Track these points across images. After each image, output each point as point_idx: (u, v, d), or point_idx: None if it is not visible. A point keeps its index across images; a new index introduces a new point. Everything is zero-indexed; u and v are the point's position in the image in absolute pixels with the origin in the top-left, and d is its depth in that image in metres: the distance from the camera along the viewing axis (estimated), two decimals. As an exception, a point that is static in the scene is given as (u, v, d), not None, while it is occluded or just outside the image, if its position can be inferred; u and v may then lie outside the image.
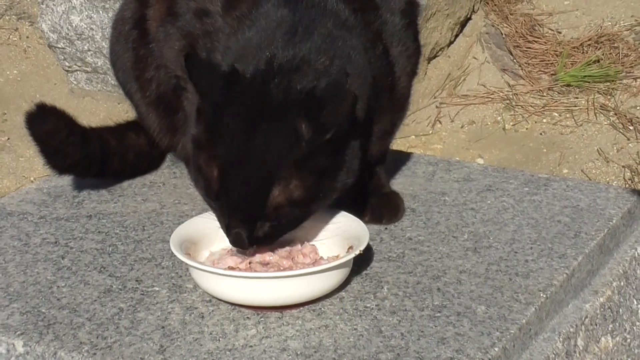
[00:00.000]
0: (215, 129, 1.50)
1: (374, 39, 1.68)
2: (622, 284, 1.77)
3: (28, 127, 1.82)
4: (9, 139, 3.58)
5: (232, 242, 1.52)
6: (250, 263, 1.58)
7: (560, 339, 1.59)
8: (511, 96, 3.76)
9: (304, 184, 1.49)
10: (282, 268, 1.56)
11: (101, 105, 3.68)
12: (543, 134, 3.60)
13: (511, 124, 3.66)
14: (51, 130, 1.83)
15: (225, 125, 1.49)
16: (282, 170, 1.47)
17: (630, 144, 3.51)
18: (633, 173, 3.35)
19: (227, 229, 1.52)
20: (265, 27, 1.59)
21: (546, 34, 4.02)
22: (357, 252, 1.54)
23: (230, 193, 1.49)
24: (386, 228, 1.79)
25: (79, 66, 3.68)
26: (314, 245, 1.61)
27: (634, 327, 1.79)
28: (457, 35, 3.92)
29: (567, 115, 3.66)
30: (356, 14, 1.66)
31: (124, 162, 1.97)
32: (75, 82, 3.73)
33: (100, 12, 3.54)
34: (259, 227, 1.50)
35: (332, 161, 1.52)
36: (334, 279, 1.54)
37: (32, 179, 3.33)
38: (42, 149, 1.84)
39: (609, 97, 3.71)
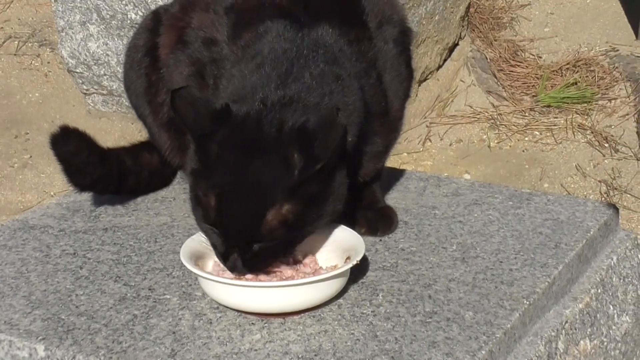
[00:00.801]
0: (210, 161, 1.49)
1: (368, 67, 1.68)
2: (599, 291, 1.77)
3: (52, 148, 1.82)
4: (31, 156, 3.57)
5: (229, 268, 1.51)
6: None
7: (543, 343, 1.59)
8: (496, 116, 3.76)
9: (296, 209, 1.47)
10: (284, 277, 1.55)
11: (116, 125, 3.67)
12: (525, 151, 3.60)
13: (496, 141, 3.66)
14: (73, 150, 1.84)
15: (220, 157, 1.48)
16: (275, 196, 1.46)
17: (605, 160, 3.51)
18: (608, 187, 3.35)
19: (223, 254, 1.51)
20: (263, 61, 1.59)
21: (528, 59, 4.02)
22: (354, 262, 1.54)
23: (227, 219, 1.48)
24: (381, 240, 1.79)
25: (96, 89, 3.68)
26: (314, 256, 1.61)
27: (611, 331, 1.79)
28: (445, 60, 3.92)
29: (548, 134, 3.66)
30: (351, 44, 1.65)
31: (139, 180, 1.97)
32: (92, 104, 3.73)
33: (116, 39, 3.54)
34: (253, 251, 1.49)
35: (322, 188, 1.50)
36: (332, 287, 1.54)
37: (52, 193, 3.33)
38: (65, 168, 1.84)
39: (586, 117, 3.71)
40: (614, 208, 1.92)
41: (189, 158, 1.59)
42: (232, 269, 1.51)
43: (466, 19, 4.01)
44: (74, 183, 1.87)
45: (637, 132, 3.60)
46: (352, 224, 1.68)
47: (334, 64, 1.59)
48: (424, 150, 3.64)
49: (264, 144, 1.47)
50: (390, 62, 1.74)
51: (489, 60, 3.97)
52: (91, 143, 1.88)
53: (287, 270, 1.57)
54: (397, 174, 2.08)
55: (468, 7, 3.99)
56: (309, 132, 1.46)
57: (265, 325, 1.52)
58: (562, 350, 1.64)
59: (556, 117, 3.73)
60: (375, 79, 1.69)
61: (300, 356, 1.44)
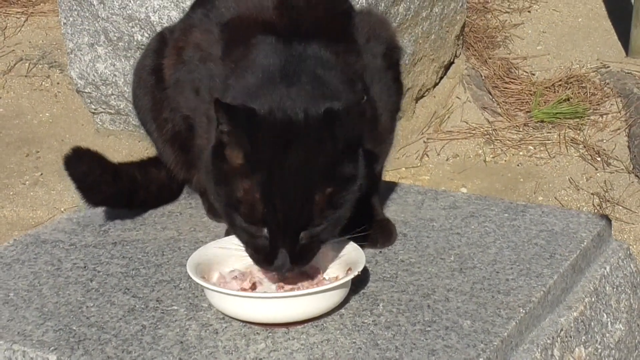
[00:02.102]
0: (251, 159, 1.49)
1: (354, 78, 1.69)
2: (593, 299, 1.77)
3: (66, 168, 1.83)
4: (42, 174, 3.58)
5: (276, 267, 1.51)
6: (254, 284, 1.58)
7: (539, 350, 1.58)
8: (491, 131, 3.76)
9: (337, 188, 1.50)
10: (288, 288, 1.56)
11: (123, 143, 3.68)
12: (520, 165, 3.60)
13: (491, 156, 3.66)
14: (86, 170, 1.85)
15: (259, 154, 1.48)
16: (318, 179, 1.48)
17: (598, 174, 3.51)
18: (601, 200, 3.35)
19: (270, 253, 1.50)
20: (259, 71, 1.60)
21: (521, 76, 4.03)
22: (355, 274, 1.54)
23: (277, 210, 1.48)
24: (381, 252, 1.79)
25: (104, 109, 3.69)
26: (317, 267, 1.61)
27: (604, 339, 1.79)
28: (441, 78, 3.93)
29: (541, 148, 3.66)
30: (338, 56, 1.66)
31: (148, 194, 1.98)
32: (100, 123, 3.74)
33: (123, 60, 3.55)
34: (300, 241, 1.50)
35: (353, 168, 1.53)
36: (334, 297, 1.54)
37: (62, 209, 3.33)
38: (78, 186, 1.86)
39: (578, 131, 3.72)
40: (607, 219, 1.93)
41: (205, 171, 1.59)
42: (280, 267, 1.50)
43: (461, 38, 4.02)
44: (87, 200, 1.88)
45: (628, 146, 3.60)
46: (352, 237, 1.67)
47: (323, 68, 1.61)
48: (422, 165, 3.64)
49: (297, 132, 1.49)
50: (378, 75, 1.75)
51: (483, 77, 3.98)
52: (103, 162, 1.89)
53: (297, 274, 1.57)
54: (395, 188, 2.08)
55: (463, 27, 4.00)
56: (335, 114, 1.49)
57: (270, 334, 1.52)
58: (557, 358, 1.63)
59: (549, 132, 3.74)
60: (360, 89, 1.70)
61: (304, 364, 1.44)
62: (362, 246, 1.64)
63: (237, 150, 1.50)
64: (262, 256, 1.52)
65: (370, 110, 1.73)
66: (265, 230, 1.50)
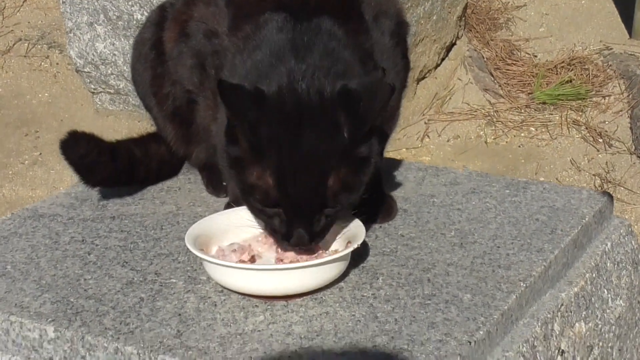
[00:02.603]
0: (259, 144, 1.47)
1: (366, 57, 1.68)
2: (594, 275, 1.77)
3: (63, 152, 1.83)
4: (41, 154, 3.57)
5: (293, 243, 1.50)
6: (252, 257, 1.58)
7: (539, 324, 1.58)
8: (492, 113, 3.75)
9: (352, 170, 1.49)
10: (287, 261, 1.55)
11: (123, 123, 3.67)
12: (521, 146, 3.60)
13: (492, 138, 3.65)
14: (83, 153, 1.84)
15: (269, 138, 1.46)
16: (333, 161, 1.46)
17: (599, 155, 3.51)
18: (602, 181, 3.35)
19: (286, 232, 1.50)
20: (269, 48, 1.58)
21: (523, 58, 4.02)
22: (355, 247, 1.54)
23: (290, 194, 1.47)
24: (381, 226, 1.78)
25: (103, 88, 3.68)
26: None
27: (605, 314, 1.78)
28: (443, 59, 3.92)
29: (543, 130, 3.66)
30: (349, 35, 1.65)
31: (148, 171, 1.97)
32: (100, 103, 3.73)
33: (122, 39, 3.54)
34: (316, 222, 1.49)
35: (369, 150, 1.51)
36: (334, 270, 1.54)
37: (61, 188, 3.33)
38: (75, 169, 1.85)
39: (580, 113, 3.71)
40: (609, 196, 1.92)
41: (220, 152, 1.58)
42: (298, 242, 1.50)
43: (463, 19, 4.01)
44: (85, 181, 1.88)
45: (630, 128, 3.59)
46: (353, 212, 1.67)
47: (338, 46, 1.59)
48: (423, 146, 3.63)
49: (309, 113, 1.47)
50: (387, 53, 1.73)
51: (485, 59, 3.97)
52: (100, 143, 1.88)
53: (289, 254, 1.56)
54: (396, 164, 2.07)
55: (465, 8, 3.99)
56: (353, 94, 1.47)
57: (269, 307, 1.51)
58: (557, 332, 1.63)
59: (551, 114, 3.73)
60: (372, 68, 1.69)
61: (302, 337, 1.43)
62: (362, 221, 1.64)
63: (243, 135, 1.49)
64: (280, 235, 1.52)
65: (393, 92, 1.72)
66: (282, 211, 1.50)
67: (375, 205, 1.80)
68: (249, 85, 1.49)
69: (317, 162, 1.47)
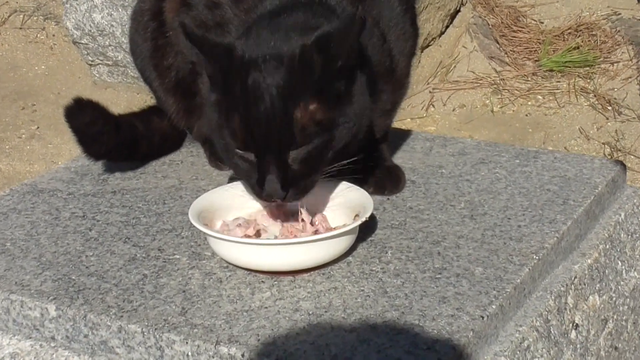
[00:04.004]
0: (229, 87, 1.46)
1: (371, 26, 1.65)
2: (607, 247, 1.75)
3: (67, 120, 1.80)
4: (38, 127, 3.55)
5: (266, 195, 1.47)
6: (258, 231, 1.56)
7: (552, 297, 1.57)
8: (498, 81, 3.73)
9: (323, 105, 1.45)
10: (294, 235, 1.54)
11: (122, 95, 3.66)
12: (528, 115, 3.58)
13: (499, 106, 3.63)
14: (88, 121, 1.82)
15: (236, 81, 1.46)
16: (299, 95, 1.44)
17: (608, 123, 3.49)
18: (612, 149, 3.33)
19: (259, 178, 1.47)
20: (268, 20, 1.56)
21: (529, 24, 3.99)
22: (363, 220, 1.52)
23: (255, 132, 1.44)
24: (388, 198, 1.77)
25: (101, 60, 3.66)
26: (323, 214, 1.59)
27: (619, 287, 1.77)
28: (447, 26, 3.89)
29: (550, 98, 3.64)
30: (354, 3, 1.63)
31: (151, 145, 1.96)
32: (97, 75, 3.71)
33: (120, 9, 3.52)
34: (290, 166, 1.46)
35: (346, 88, 1.49)
36: (341, 244, 1.52)
37: (59, 163, 3.32)
38: (79, 139, 1.83)
39: (588, 80, 3.69)
40: (621, 165, 1.90)
41: (206, 95, 1.57)
42: (270, 193, 1.47)
43: (468, -15, 3.98)
44: (89, 153, 1.86)
45: (639, 95, 3.57)
46: (360, 183, 1.65)
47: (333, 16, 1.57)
48: (428, 115, 3.61)
49: (279, 54, 1.45)
50: (394, 20, 1.71)
51: (490, 26, 3.94)
52: (105, 113, 1.87)
53: (297, 228, 1.55)
54: (403, 135, 2.05)
55: (470, -26, 3.96)
56: (326, 33, 1.45)
57: (275, 283, 1.50)
58: (571, 305, 1.62)
59: (559, 81, 3.70)
60: (378, 37, 1.66)
61: (310, 313, 1.42)
62: (369, 193, 1.62)
63: (218, 79, 1.48)
64: (253, 186, 1.49)
65: (387, 58, 1.69)
66: (253, 156, 1.47)
67: (383, 177, 1.78)
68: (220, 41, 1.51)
69: (282, 97, 1.44)
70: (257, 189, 1.49)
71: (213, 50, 1.48)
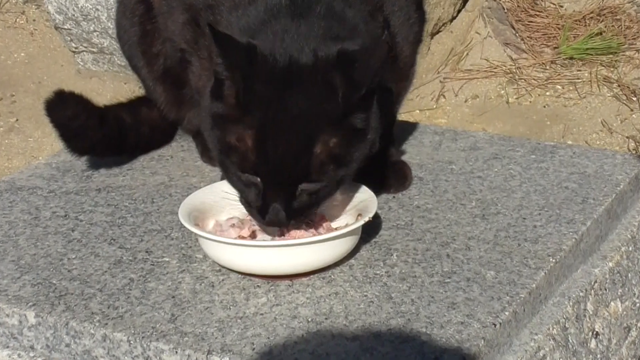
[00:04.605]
0: (246, 101, 1.45)
1: (374, 10, 1.66)
2: (630, 249, 1.76)
3: (48, 114, 1.82)
4: (17, 120, 3.56)
5: (268, 221, 1.48)
6: (253, 232, 1.57)
7: (570, 304, 1.57)
8: (514, 70, 3.73)
9: (343, 141, 1.46)
10: (292, 236, 1.54)
11: (108, 85, 3.66)
12: (546, 106, 3.58)
13: (514, 97, 3.64)
14: (71, 115, 1.84)
15: (256, 96, 1.45)
16: (321, 127, 1.44)
17: (633, 115, 3.49)
18: (637, 143, 3.33)
19: (262, 206, 1.48)
20: (265, 3, 1.56)
21: (548, 8, 3.99)
22: (366, 220, 1.53)
23: (270, 159, 1.44)
24: (394, 197, 1.78)
25: (85, 47, 3.66)
26: (323, 214, 1.60)
27: (643, 292, 1.78)
28: (459, 11, 3.89)
29: (570, 88, 3.64)
30: None
31: (139, 137, 1.97)
32: (82, 63, 3.71)
33: (106, -8, 3.52)
34: (297, 196, 1.46)
35: (365, 118, 1.49)
36: (343, 246, 1.53)
37: (40, 158, 3.32)
38: (61, 134, 1.84)
39: (611, 69, 3.69)
40: (645, 160, 1.91)
41: (195, 99, 1.57)
42: (273, 221, 1.47)
43: (481, -34, 3.99)
44: (72, 148, 1.87)
45: (666, 85, 3.58)
46: (363, 180, 1.66)
47: (339, 3, 1.57)
48: (438, 107, 3.62)
49: (301, 73, 1.45)
50: (398, 4, 1.72)
51: (506, 10, 3.94)
52: (89, 105, 1.88)
53: (295, 229, 1.55)
54: (410, 128, 2.06)
55: (483, -46, 3.97)
56: (349, 55, 1.44)
57: (272, 288, 1.51)
58: (591, 312, 1.62)
59: (579, 70, 3.71)
60: (381, 22, 1.67)
61: (309, 320, 1.43)
62: (374, 191, 1.62)
63: (231, 89, 1.47)
64: (255, 209, 1.50)
65: (390, 51, 1.70)
66: (259, 180, 1.47)
67: (388, 174, 1.79)
68: (245, 39, 1.48)
69: (303, 126, 1.44)
70: (258, 213, 1.49)
71: (234, 52, 1.45)
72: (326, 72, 1.45)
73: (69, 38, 3.66)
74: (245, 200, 1.52)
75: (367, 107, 1.49)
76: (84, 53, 3.68)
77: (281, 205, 1.46)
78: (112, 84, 3.66)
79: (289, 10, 1.54)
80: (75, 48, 3.67)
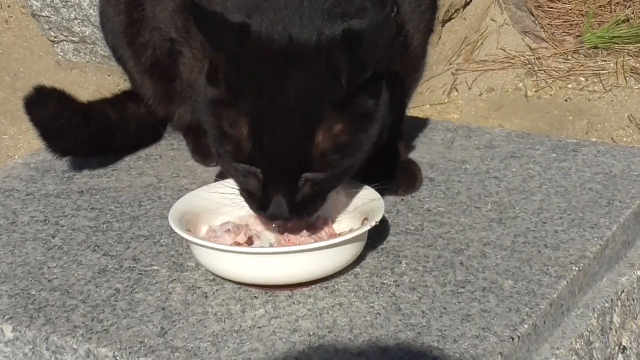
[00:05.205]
0: (238, 84, 1.45)
1: None
2: (660, 255, 1.76)
3: (28, 112, 1.82)
4: (-9, 115, 3.57)
5: (270, 215, 1.49)
6: (250, 238, 1.58)
7: (595, 315, 1.58)
8: (533, 60, 3.74)
9: (348, 127, 1.45)
10: (293, 242, 1.55)
11: (90, 77, 3.67)
12: (568, 100, 3.59)
13: (534, 90, 3.65)
14: (53, 114, 1.84)
15: (249, 78, 1.44)
16: (324, 112, 1.43)
17: (663, 110, 3.50)
18: (667, 140, 3.34)
19: (263, 199, 1.48)
20: None
21: (570, -7, 4.00)
22: (372, 224, 1.53)
23: (266, 148, 1.44)
24: (403, 199, 1.78)
25: (65, 36, 3.67)
26: (326, 217, 1.60)
27: (674, 302, 1.78)
28: (473, -4, 3.91)
29: (595, 80, 3.65)
30: None
31: (126, 136, 1.97)
32: (61, 54, 3.72)
33: (87, -24, 3.53)
34: (300, 187, 1.47)
35: (373, 104, 1.48)
36: (347, 253, 1.53)
37: (17, 157, 3.33)
38: (42, 133, 1.85)
39: (639, 59, 3.70)
40: (677, 159, 1.92)
41: (200, 90, 1.56)
42: (275, 215, 1.47)
43: (497, -54, 3.99)
44: (54, 149, 1.88)
45: (699, 76, 3.59)
46: (369, 181, 1.66)
47: None
48: (450, 101, 3.63)
49: (302, 53, 1.44)
50: None
51: (524, -5, 3.95)
52: (72, 102, 1.89)
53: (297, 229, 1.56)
54: (420, 124, 2.07)
55: None
56: (355, 34, 1.43)
57: (270, 298, 1.51)
58: (617, 325, 1.63)
59: (604, 60, 3.72)
60: (390, 9, 1.67)
61: (311, 333, 1.43)
62: (381, 192, 1.63)
63: (222, 72, 1.47)
64: (256, 201, 1.50)
65: (400, 31, 1.70)
66: (258, 171, 1.47)
67: (396, 174, 1.79)
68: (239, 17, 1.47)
69: (303, 111, 1.43)
70: (259, 207, 1.49)
71: (220, 32, 1.45)
72: (330, 53, 1.44)
73: (47, 26, 3.67)
74: (245, 193, 1.52)
75: (375, 92, 1.49)
76: (64, 43, 3.69)
77: (283, 198, 1.46)
78: (94, 76, 3.67)
79: None
80: (54, 37, 3.68)
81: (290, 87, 1.43)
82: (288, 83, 1.43)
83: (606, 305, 1.61)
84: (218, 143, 1.50)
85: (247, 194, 1.51)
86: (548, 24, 3.85)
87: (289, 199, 1.46)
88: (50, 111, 1.84)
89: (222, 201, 1.61)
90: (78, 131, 1.87)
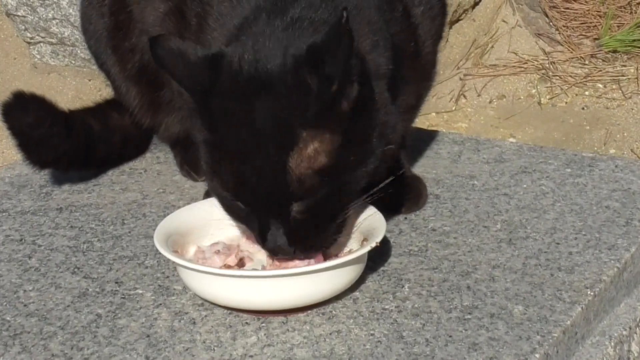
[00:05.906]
0: (212, 121, 1.47)
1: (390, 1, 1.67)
2: (682, 279, 1.77)
3: (5, 120, 1.83)
4: (-38, 123, 3.57)
5: (270, 249, 1.50)
6: (242, 259, 1.58)
7: (612, 344, 1.59)
8: (547, 65, 3.75)
9: (326, 147, 1.45)
10: (288, 265, 1.56)
11: (69, 82, 3.67)
12: (585, 108, 3.60)
13: (548, 97, 3.65)
14: (33, 122, 1.85)
15: (222, 112, 1.46)
16: (294, 136, 1.43)
17: (687, 119, 3.51)
18: (691, 152, 3.35)
19: (260, 230, 1.49)
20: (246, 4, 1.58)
21: (587, -8, 4.01)
22: (372, 245, 1.54)
23: (248, 183, 1.46)
24: (406, 217, 1.79)
25: (43, 37, 3.67)
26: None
27: (697, 329, 1.79)
28: (483, -5, 3.92)
29: (614, 87, 3.65)
30: None
31: (110, 148, 1.98)
32: (38, 56, 3.72)
33: (67, -27, 3.54)
34: (294, 218, 1.47)
35: (360, 117, 1.49)
36: (346, 276, 1.54)
37: (-10, 169, 3.33)
38: (21, 143, 1.85)
39: (662, 64, 3.70)
40: (700, 175, 1.93)
41: (175, 103, 1.58)
42: (275, 250, 1.49)
43: (509, -58, 4.00)
44: (33, 160, 1.88)
45: None
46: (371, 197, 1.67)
47: None
48: (457, 109, 3.63)
49: (268, 78, 1.45)
50: None
51: (538, -6, 3.96)
52: (53, 110, 1.89)
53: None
54: (425, 136, 2.08)
55: None
56: (318, 48, 1.43)
57: (263, 325, 1.52)
58: (636, 354, 1.64)
59: (624, 66, 3.72)
60: (401, 12, 1.68)
61: (307, 363, 1.44)
62: (382, 210, 1.64)
63: (198, 111, 1.49)
64: (255, 234, 1.52)
65: (411, 38, 1.71)
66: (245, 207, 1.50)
67: (399, 190, 1.80)
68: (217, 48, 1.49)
69: (274, 138, 1.44)
70: (260, 239, 1.51)
71: (190, 70, 1.47)
72: (294, 72, 1.44)
73: (23, 27, 3.67)
74: (247, 227, 1.55)
75: (363, 105, 1.49)
76: (41, 44, 3.69)
77: (279, 230, 1.48)
78: (74, 80, 3.67)
79: (272, 2, 1.55)
80: (31, 38, 3.69)
81: (259, 115, 1.44)
82: (256, 112, 1.44)
83: (624, 333, 1.62)
84: (208, 178, 1.53)
85: (250, 227, 1.53)
86: (564, 26, 3.86)
87: (285, 230, 1.48)
88: (30, 119, 1.84)
89: (211, 220, 1.62)
90: (60, 141, 1.87)
